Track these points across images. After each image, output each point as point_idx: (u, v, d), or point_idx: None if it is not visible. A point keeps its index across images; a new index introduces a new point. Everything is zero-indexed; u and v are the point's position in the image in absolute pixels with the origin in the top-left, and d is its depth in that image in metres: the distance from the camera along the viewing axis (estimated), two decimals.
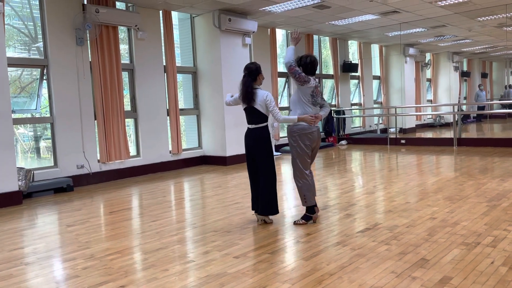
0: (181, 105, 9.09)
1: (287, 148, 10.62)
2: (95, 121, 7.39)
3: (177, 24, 9.18)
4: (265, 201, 4.29)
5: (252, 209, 4.49)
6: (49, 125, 6.99)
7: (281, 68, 11.31)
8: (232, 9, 8.53)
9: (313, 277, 2.96)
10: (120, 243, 3.95)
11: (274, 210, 4.35)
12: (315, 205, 4.33)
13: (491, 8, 9.47)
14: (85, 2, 7.13)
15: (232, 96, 4.55)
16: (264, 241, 3.83)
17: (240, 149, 8.88)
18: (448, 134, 12.90)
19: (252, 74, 4.28)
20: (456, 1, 8.74)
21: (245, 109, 4.36)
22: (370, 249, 3.48)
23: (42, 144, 7.21)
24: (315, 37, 12.08)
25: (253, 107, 4.24)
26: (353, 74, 13.46)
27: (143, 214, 5.12)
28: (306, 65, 4.25)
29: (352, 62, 13.18)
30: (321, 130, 12.43)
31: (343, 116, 12.64)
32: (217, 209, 5.12)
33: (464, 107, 17.16)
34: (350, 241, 3.69)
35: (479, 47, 16.08)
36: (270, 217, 4.42)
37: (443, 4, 8.90)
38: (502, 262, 3.08)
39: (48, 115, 6.99)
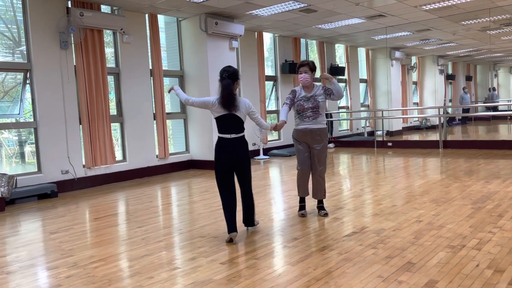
0: (168, 109, 9.03)
1: (275, 151, 10.63)
2: (80, 125, 7.29)
3: (164, 27, 9.13)
4: (253, 211, 4.22)
5: (232, 231, 3.89)
6: (33, 130, 6.88)
7: (269, 71, 11.33)
8: (218, 13, 8.51)
9: (300, 283, 2.94)
10: (105, 250, 3.88)
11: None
12: (302, 200, 4.85)
13: (474, 12, 9.61)
14: (69, 6, 7.04)
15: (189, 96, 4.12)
16: (251, 246, 3.80)
17: None
18: (434, 136, 13.05)
19: (232, 77, 3.88)
20: (441, 5, 8.85)
21: (223, 117, 3.89)
22: (357, 253, 3.47)
23: (27, 149, 7.08)
24: (302, 40, 12.12)
25: (235, 115, 3.89)
26: (340, 77, 13.53)
27: (129, 220, 5.06)
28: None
29: (339, 65, 13.26)
30: None
31: (331, 119, 12.68)
32: (204, 214, 5.08)
33: (449, 110, 17.37)
34: (337, 245, 3.68)
35: (464, 51, 16.31)
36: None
37: (427, 8, 9.00)
38: (487, 265, 3.10)
39: (32, 119, 6.87)
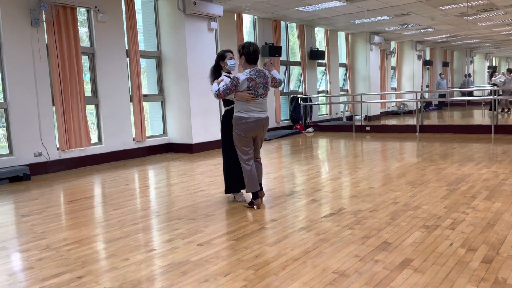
0: (144, 91, 8.84)
1: None
2: (53, 107, 7.07)
3: (140, 7, 8.87)
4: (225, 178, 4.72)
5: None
6: (3, 111, 6.63)
7: None
8: None
9: (277, 263, 2.94)
10: (79, 233, 3.80)
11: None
12: (259, 191, 4.41)
13: None
14: None
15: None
16: (229, 228, 3.78)
17: (206, 136, 8.75)
18: (411, 121, 13.23)
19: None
20: None
21: None
22: (334, 233, 3.49)
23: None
24: (282, 23, 12.01)
25: None
26: (320, 61, 13.52)
27: (105, 203, 4.96)
28: (249, 54, 4.31)
29: (319, 49, 13.22)
30: (288, 117, 12.46)
31: (310, 103, 12.69)
32: (181, 197, 5.02)
33: (426, 95, 17.62)
34: (315, 226, 3.69)
35: (441, 36, 16.49)
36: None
37: None
38: (460, 243, 3.16)
39: (2, 100, 6.62)
